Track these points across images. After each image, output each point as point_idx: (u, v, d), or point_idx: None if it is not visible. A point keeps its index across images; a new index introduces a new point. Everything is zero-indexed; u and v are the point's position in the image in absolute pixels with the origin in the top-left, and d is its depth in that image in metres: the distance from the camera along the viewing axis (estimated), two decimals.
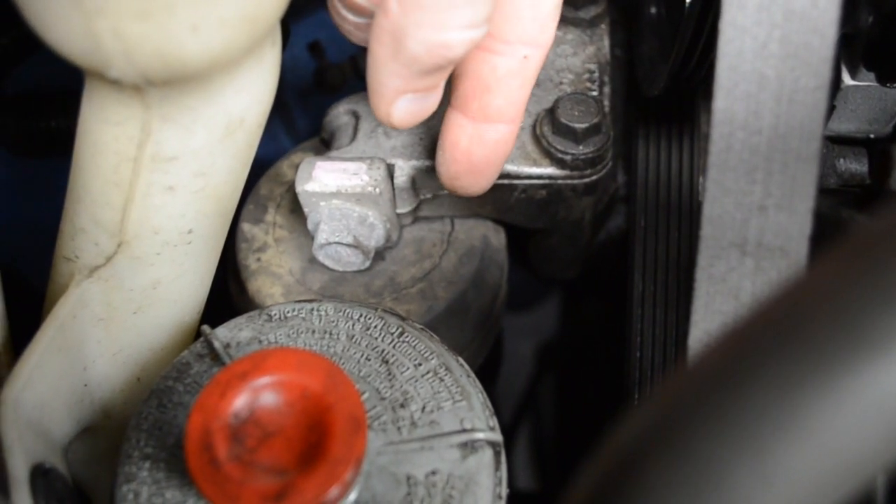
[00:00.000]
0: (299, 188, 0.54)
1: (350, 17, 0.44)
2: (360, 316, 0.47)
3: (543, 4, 0.45)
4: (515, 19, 0.44)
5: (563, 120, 0.56)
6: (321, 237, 0.56)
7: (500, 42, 0.45)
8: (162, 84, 0.38)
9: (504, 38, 0.45)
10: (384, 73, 0.41)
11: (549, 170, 0.58)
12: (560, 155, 0.57)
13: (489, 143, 0.48)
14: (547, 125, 0.58)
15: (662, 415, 0.24)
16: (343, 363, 0.45)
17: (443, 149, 0.50)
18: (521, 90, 0.47)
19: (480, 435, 0.42)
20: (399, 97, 0.43)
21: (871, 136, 0.56)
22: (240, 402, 0.37)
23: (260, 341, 0.46)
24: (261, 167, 0.53)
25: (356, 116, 0.59)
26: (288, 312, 0.47)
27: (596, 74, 0.62)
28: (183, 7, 0.34)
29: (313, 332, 0.46)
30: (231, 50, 0.38)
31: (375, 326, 0.46)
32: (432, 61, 0.40)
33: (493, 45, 0.45)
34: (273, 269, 0.59)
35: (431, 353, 0.45)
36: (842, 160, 0.57)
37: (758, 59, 0.39)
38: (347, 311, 0.47)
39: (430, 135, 0.56)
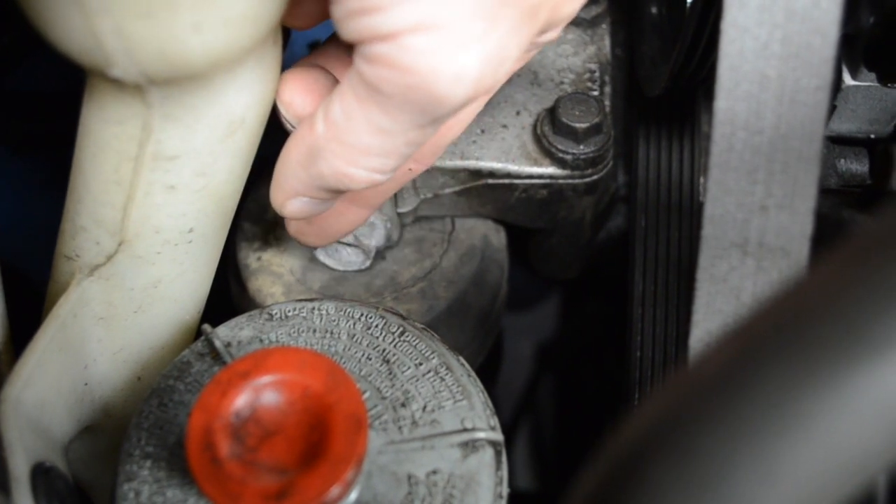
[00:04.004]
0: None
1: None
2: (362, 315, 0.47)
3: (446, 138, 0.49)
4: None
5: (563, 119, 0.56)
6: None
7: None
8: (163, 83, 0.38)
9: None
10: (290, 174, 0.44)
11: (550, 169, 0.58)
12: (561, 154, 0.57)
13: (345, 220, 0.51)
14: (548, 125, 0.58)
15: (665, 414, 0.24)
16: (344, 362, 0.45)
17: None
18: (391, 191, 0.52)
19: (481, 434, 0.42)
20: (296, 196, 0.45)
21: (872, 136, 0.56)
22: (241, 401, 0.37)
23: (261, 340, 0.46)
24: (262, 166, 0.53)
25: None
26: (289, 311, 0.47)
27: (597, 74, 0.62)
28: (185, 6, 0.34)
29: (314, 331, 0.46)
30: (233, 49, 0.38)
31: (376, 326, 0.46)
32: (334, 184, 0.43)
33: None
34: (273, 269, 0.59)
35: (432, 353, 0.45)
36: (842, 160, 0.57)
37: (759, 60, 0.39)
38: (348, 310, 0.47)
39: None
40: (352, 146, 0.40)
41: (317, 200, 0.46)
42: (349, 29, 0.37)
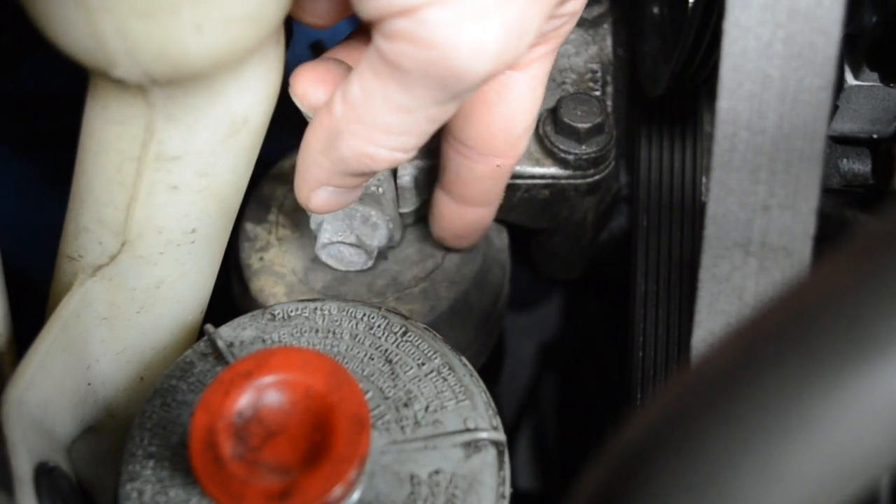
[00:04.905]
0: None
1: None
2: (364, 315, 0.47)
3: (515, 128, 0.48)
4: (489, 138, 0.49)
5: (565, 120, 0.56)
6: (324, 237, 0.56)
7: (475, 153, 0.49)
8: (166, 83, 0.38)
9: (479, 151, 0.49)
10: (312, 163, 0.44)
11: (552, 170, 0.58)
12: (563, 155, 0.57)
13: (468, 220, 0.54)
14: (549, 125, 0.58)
15: (668, 415, 0.24)
16: (347, 362, 0.45)
17: (431, 215, 0.56)
18: (496, 186, 0.52)
19: (484, 434, 0.42)
20: (320, 187, 0.45)
21: (875, 136, 0.56)
22: (244, 400, 0.37)
23: (263, 340, 0.46)
24: (264, 166, 0.53)
25: None
26: (291, 311, 0.47)
27: (599, 74, 0.62)
28: (187, 6, 0.34)
29: (317, 331, 0.46)
30: (235, 49, 0.38)
31: (379, 326, 0.46)
32: (357, 167, 0.43)
33: (470, 154, 0.50)
34: (276, 269, 0.59)
35: (435, 353, 0.45)
36: (845, 160, 0.57)
37: (762, 59, 0.39)
38: (351, 310, 0.47)
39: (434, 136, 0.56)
40: (372, 125, 0.40)
41: (341, 189, 0.46)
42: (368, 7, 0.37)
